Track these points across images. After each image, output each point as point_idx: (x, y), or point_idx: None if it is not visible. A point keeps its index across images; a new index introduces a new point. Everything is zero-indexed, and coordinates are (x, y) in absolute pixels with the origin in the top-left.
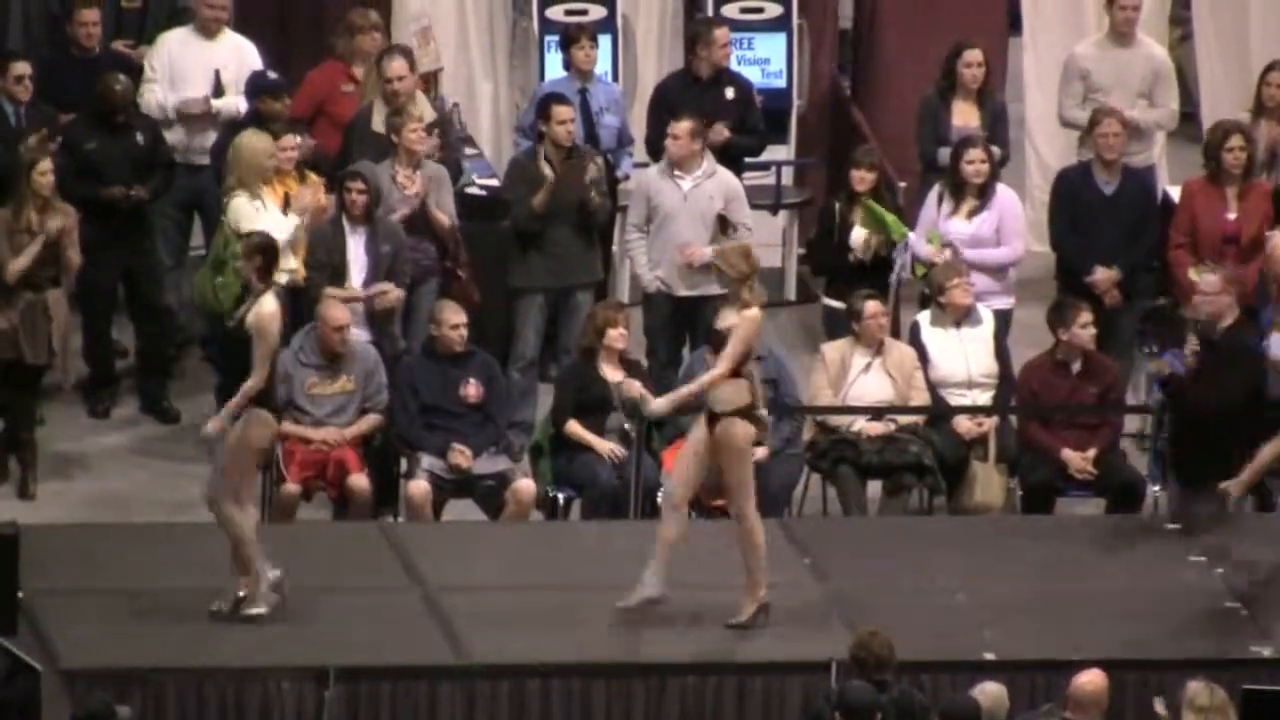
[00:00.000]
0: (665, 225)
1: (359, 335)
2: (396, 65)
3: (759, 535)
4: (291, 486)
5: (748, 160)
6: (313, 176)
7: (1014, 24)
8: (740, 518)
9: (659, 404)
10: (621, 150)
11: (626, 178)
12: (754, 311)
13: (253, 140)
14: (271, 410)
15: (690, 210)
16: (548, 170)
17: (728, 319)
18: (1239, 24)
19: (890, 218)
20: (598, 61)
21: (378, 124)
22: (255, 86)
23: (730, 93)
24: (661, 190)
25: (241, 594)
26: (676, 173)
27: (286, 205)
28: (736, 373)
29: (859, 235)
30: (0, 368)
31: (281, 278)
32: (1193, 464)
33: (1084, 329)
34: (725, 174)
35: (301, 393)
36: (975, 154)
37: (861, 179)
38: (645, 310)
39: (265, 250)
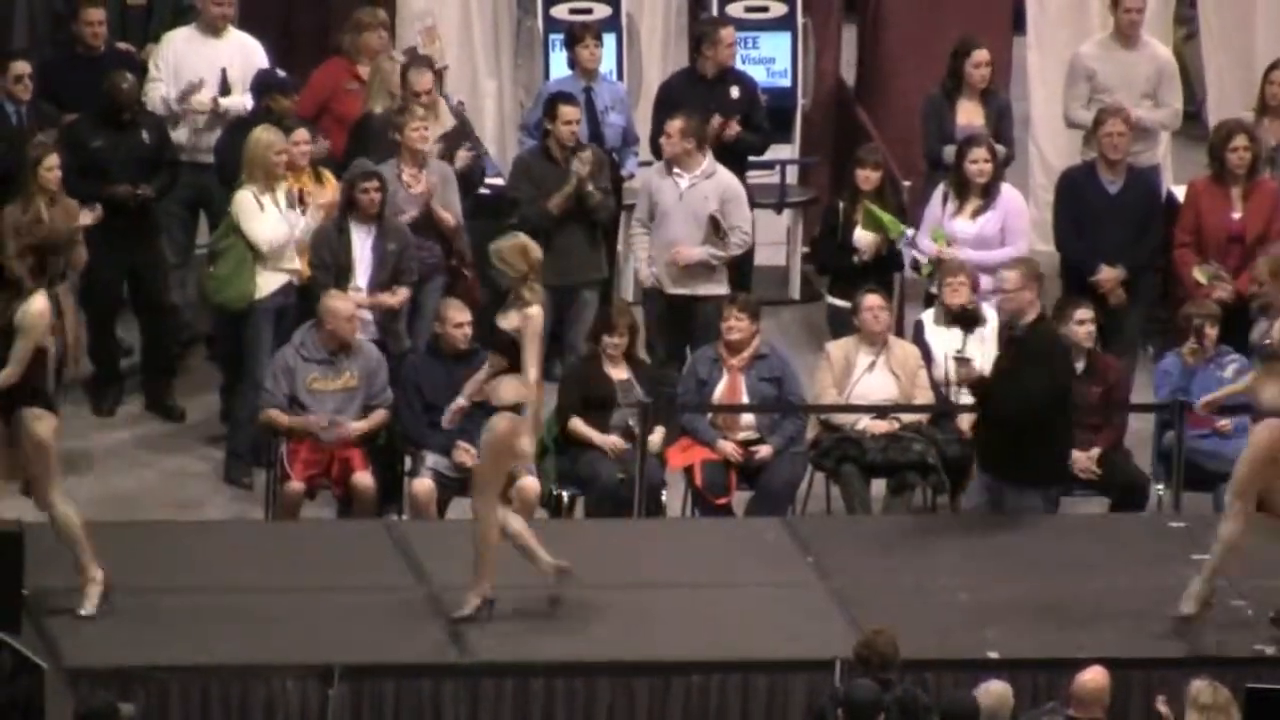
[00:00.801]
0: (661, 223)
1: (366, 334)
2: (425, 79)
3: (490, 530)
4: (296, 484)
5: (752, 159)
6: (329, 176)
7: (1017, 22)
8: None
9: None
10: (626, 149)
11: (631, 176)
12: (535, 310)
13: (262, 135)
14: (45, 407)
15: (684, 209)
16: (578, 167)
17: (510, 320)
18: (1244, 23)
19: (888, 218)
20: (602, 60)
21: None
22: (263, 84)
23: (735, 92)
24: (660, 188)
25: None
26: (675, 171)
27: (302, 201)
28: (514, 369)
29: (863, 235)
30: None
31: (282, 276)
32: (1001, 460)
33: (1080, 325)
34: (725, 175)
35: (303, 388)
36: (979, 153)
37: (867, 178)
38: (644, 307)
39: (40, 250)
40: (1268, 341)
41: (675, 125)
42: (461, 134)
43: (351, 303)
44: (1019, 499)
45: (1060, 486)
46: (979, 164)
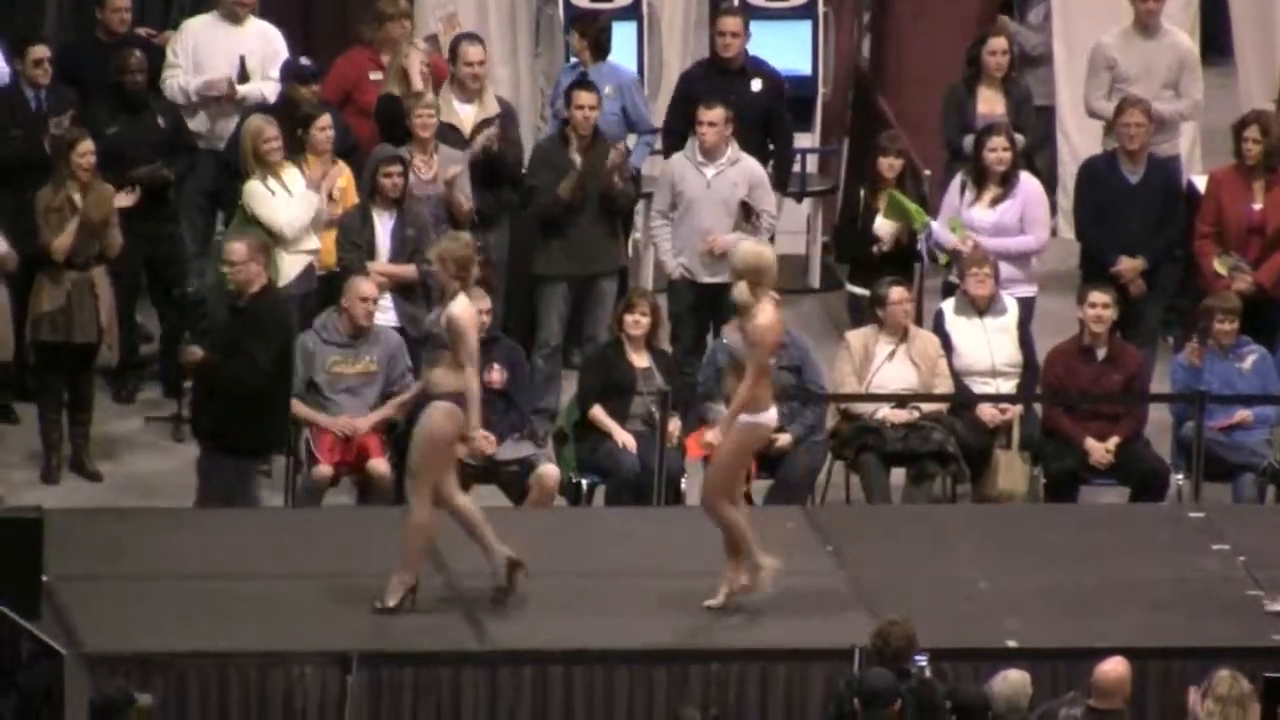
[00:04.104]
0: (689, 212)
1: (386, 321)
2: (476, 51)
3: None
4: (324, 468)
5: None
6: (340, 163)
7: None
8: None
9: None
10: (639, 140)
11: (636, 171)
12: None
13: (250, 123)
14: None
15: (713, 198)
16: (576, 159)
17: None
18: (1266, 16)
19: (913, 206)
20: (596, 51)
21: (445, 114)
22: (290, 72)
23: (757, 84)
24: (685, 178)
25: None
26: (700, 160)
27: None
28: None
29: (884, 223)
30: (49, 352)
31: (302, 259)
32: (215, 429)
33: (1091, 309)
34: (749, 161)
35: (322, 371)
36: (998, 141)
37: (890, 166)
38: (669, 297)
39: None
40: (436, 330)
41: (719, 114)
42: (506, 121)
43: (371, 285)
44: (222, 468)
45: (265, 458)
46: (997, 152)
